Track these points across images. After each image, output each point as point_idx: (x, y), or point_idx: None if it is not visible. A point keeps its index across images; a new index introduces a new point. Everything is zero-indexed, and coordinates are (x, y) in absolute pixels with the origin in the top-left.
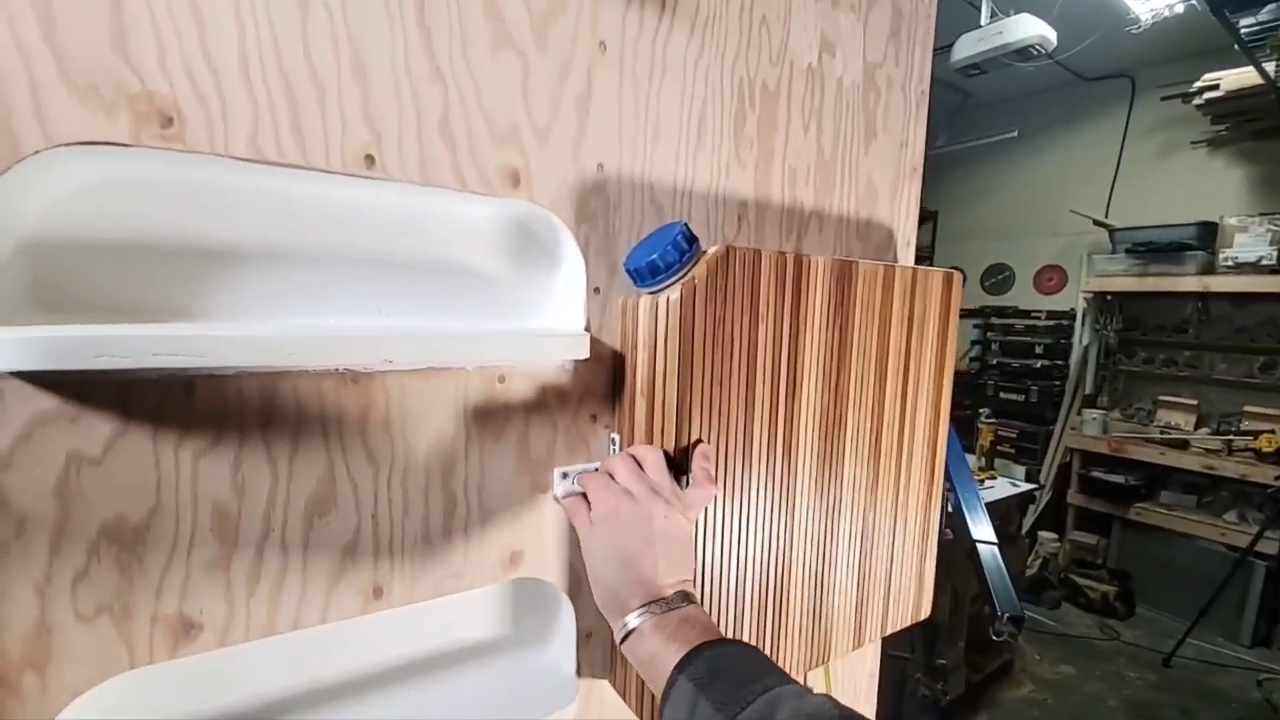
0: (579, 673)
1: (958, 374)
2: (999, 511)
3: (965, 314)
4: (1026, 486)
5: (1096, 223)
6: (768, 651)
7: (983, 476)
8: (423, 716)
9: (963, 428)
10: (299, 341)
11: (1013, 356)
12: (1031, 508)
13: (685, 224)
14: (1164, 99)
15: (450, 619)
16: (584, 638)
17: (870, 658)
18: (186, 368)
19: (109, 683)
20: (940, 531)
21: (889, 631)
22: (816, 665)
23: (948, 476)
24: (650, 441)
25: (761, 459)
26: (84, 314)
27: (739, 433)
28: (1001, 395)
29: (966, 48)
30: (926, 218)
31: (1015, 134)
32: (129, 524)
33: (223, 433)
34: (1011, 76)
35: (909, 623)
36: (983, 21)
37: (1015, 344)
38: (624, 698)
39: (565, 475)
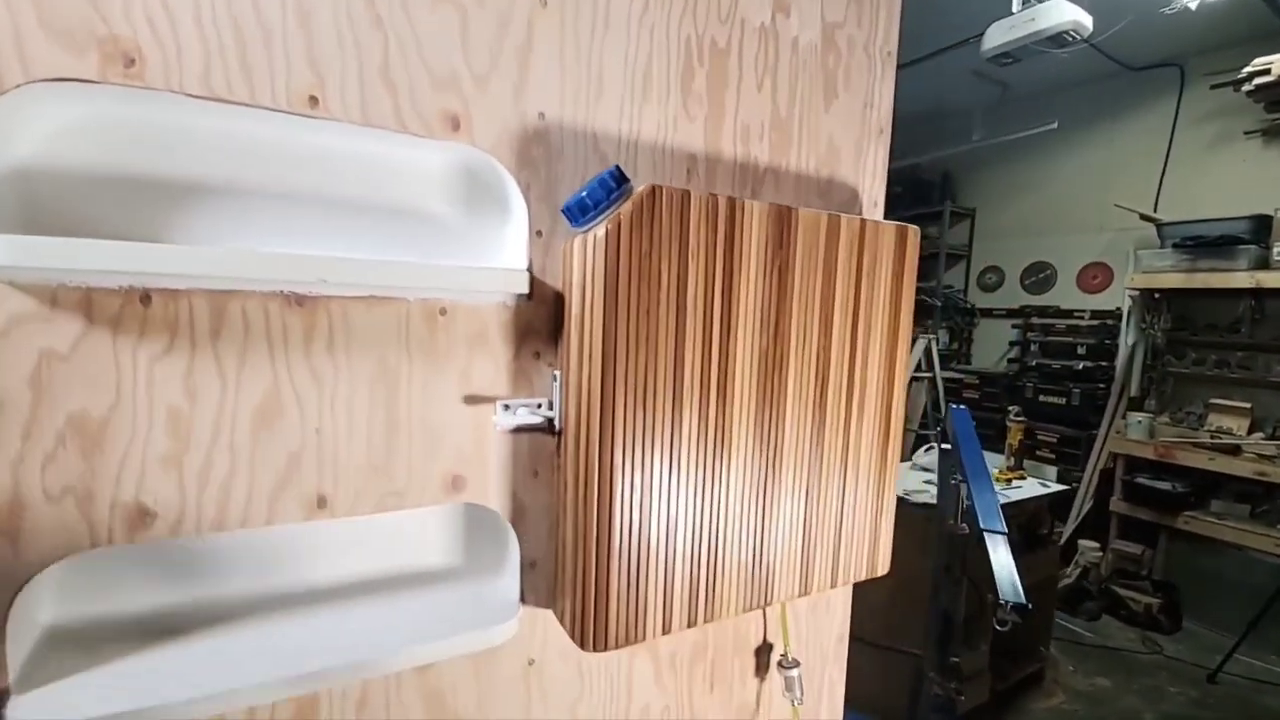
0: (523, 599)
1: (992, 375)
2: (1028, 511)
3: (1003, 314)
4: (1057, 487)
5: (1143, 217)
6: (703, 596)
7: (1010, 476)
8: (371, 627)
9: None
10: (241, 256)
11: (1053, 358)
12: (1072, 514)
13: (617, 165)
14: (1213, 87)
15: (404, 544)
16: (528, 566)
17: (839, 620)
18: (145, 276)
19: (74, 558)
20: (954, 525)
21: (841, 583)
22: (756, 607)
23: (960, 468)
24: (580, 373)
25: (694, 393)
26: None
27: (669, 367)
28: (1041, 398)
29: (997, 36)
30: (963, 215)
31: (1055, 125)
32: (92, 417)
33: (175, 341)
34: (1052, 69)
35: (864, 576)
36: (1014, 9)
37: (1056, 345)
38: (563, 624)
39: (507, 408)
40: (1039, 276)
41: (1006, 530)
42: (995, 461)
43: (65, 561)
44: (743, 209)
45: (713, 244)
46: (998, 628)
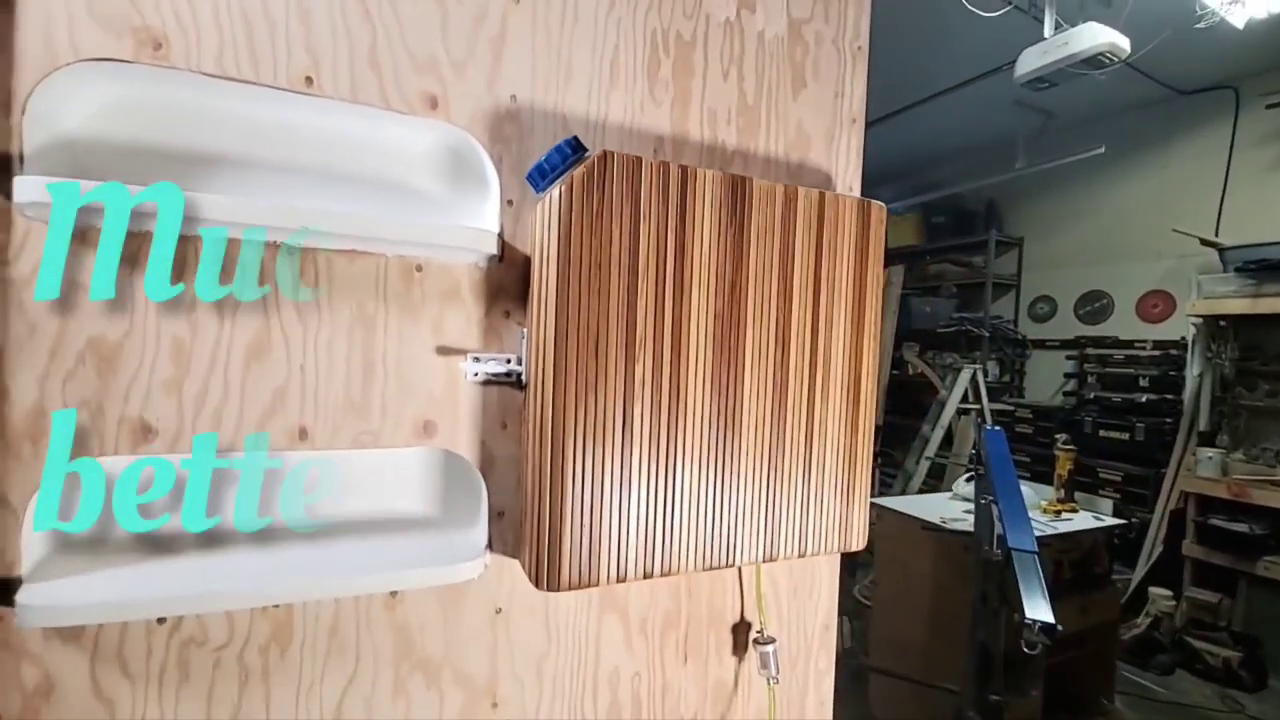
0: (490, 547)
1: (1047, 409)
2: (1082, 547)
3: (1056, 345)
4: (1111, 521)
5: (1204, 242)
6: (658, 548)
7: (1060, 508)
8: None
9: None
10: (241, 203)
11: (1114, 390)
12: (1141, 558)
13: (575, 136)
14: (1269, 107)
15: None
16: (495, 515)
17: (824, 607)
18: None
19: (83, 459)
20: (989, 551)
21: (811, 553)
22: (716, 566)
23: (991, 488)
24: (538, 325)
25: (647, 347)
26: None
27: (621, 320)
28: (1102, 433)
29: (1030, 61)
30: (1010, 244)
31: (1102, 149)
32: (108, 341)
33: (183, 279)
34: (1098, 94)
35: (836, 550)
36: (1046, 34)
37: (1116, 376)
38: (524, 568)
39: (477, 360)
40: (1094, 306)
41: (1037, 550)
42: (1045, 494)
43: (76, 472)
44: (694, 176)
45: (664, 207)
46: (1026, 650)
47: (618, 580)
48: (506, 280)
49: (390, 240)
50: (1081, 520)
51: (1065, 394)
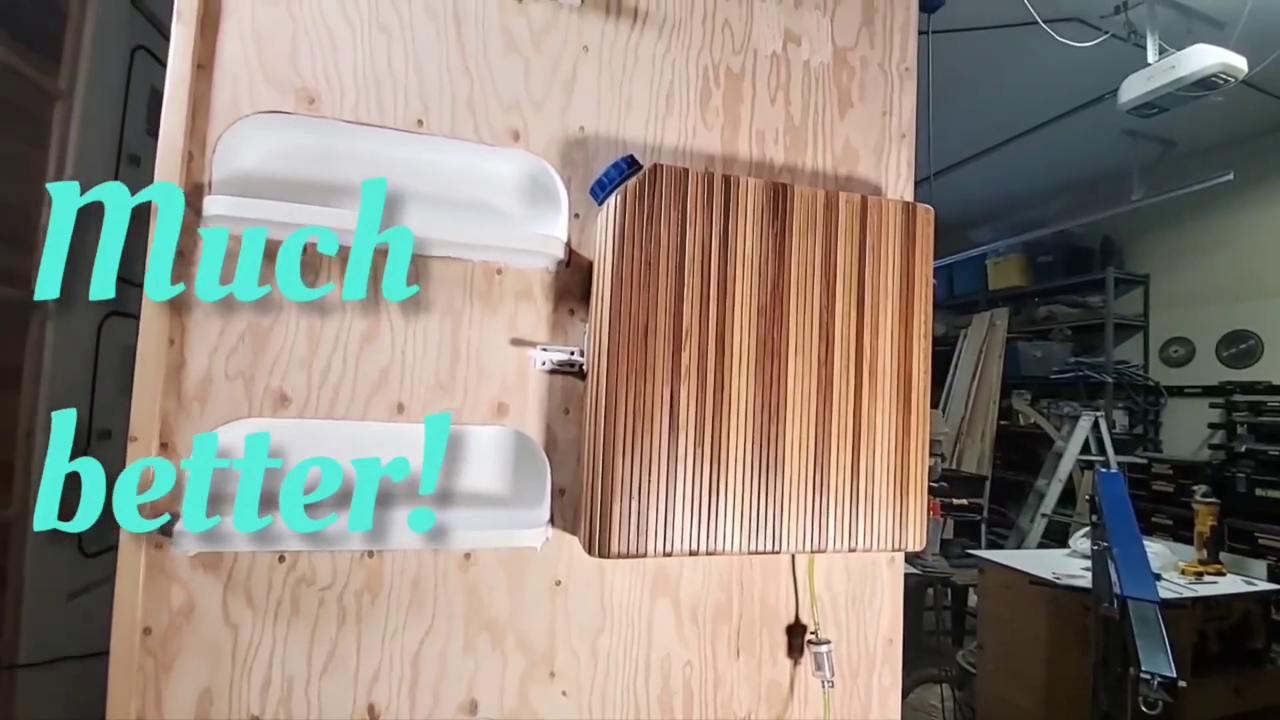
0: (552, 521)
1: (1190, 464)
2: (1231, 615)
3: (1197, 391)
4: (1266, 586)
5: None
6: (705, 526)
7: (1201, 569)
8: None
9: (1189, 525)
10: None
11: (1271, 443)
12: None
13: (631, 154)
14: None
15: (467, 468)
16: (557, 493)
17: (887, 619)
18: (310, 231)
19: (237, 422)
20: (1109, 609)
21: (862, 548)
22: (762, 551)
23: (1106, 534)
24: (596, 317)
25: (692, 336)
26: None
27: (670, 314)
28: (1258, 491)
29: (1135, 87)
30: (1133, 282)
31: (1230, 176)
32: (261, 325)
33: (318, 278)
34: (1221, 120)
35: (889, 549)
36: (1150, 60)
37: (1273, 427)
38: (580, 540)
39: (545, 350)
40: (1239, 348)
41: (1158, 598)
42: (1184, 554)
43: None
44: (737, 183)
45: (708, 212)
46: (1145, 710)
47: (664, 554)
48: (572, 283)
49: (477, 246)
50: (1229, 584)
51: (1211, 447)
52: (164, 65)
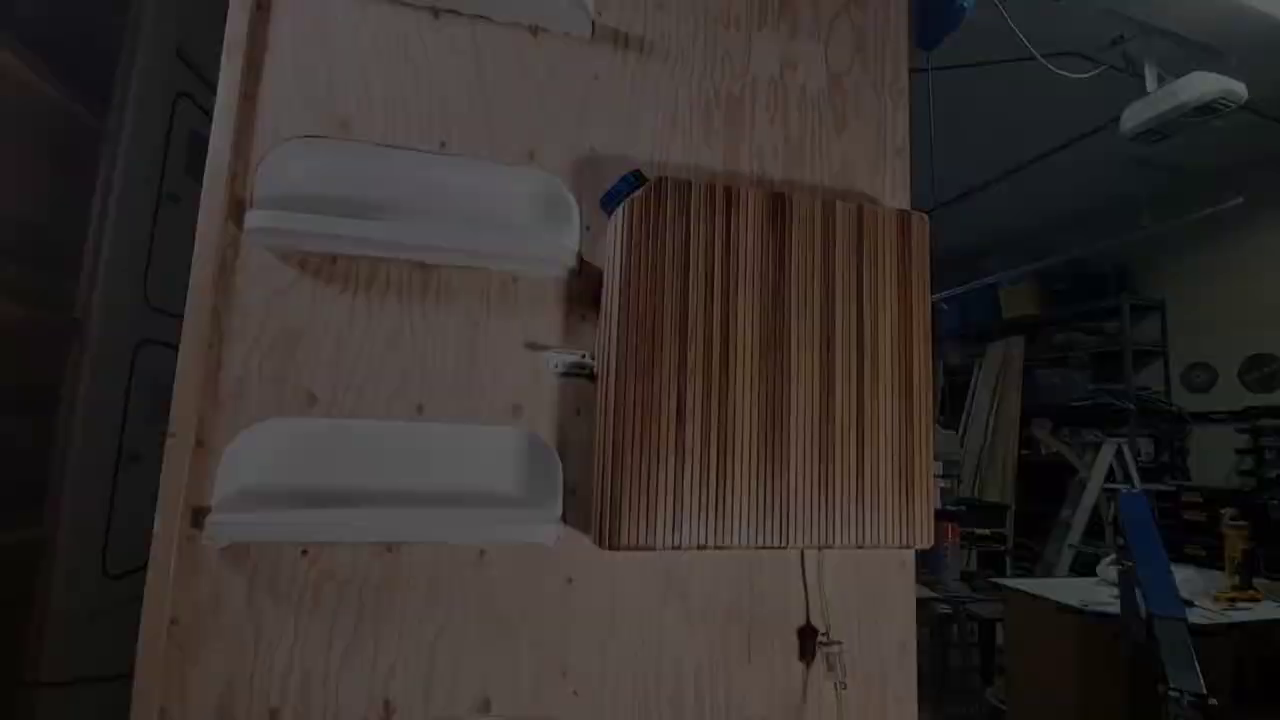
0: (564, 520)
1: (1220, 492)
2: (1272, 644)
3: (1223, 417)
4: None
5: None
6: (712, 521)
7: (1235, 595)
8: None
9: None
10: (388, 227)
11: None
12: None
13: (638, 168)
14: None
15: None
16: (569, 492)
17: (900, 624)
18: (338, 242)
19: (269, 420)
20: (1136, 634)
21: (869, 544)
22: (770, 545)
23: (1131, 553)
24: (606, 321)
25: (697, 334)
26: None
27: (676, 316)
28: None
29: (1137, 114)
30: (1149, 308)
31: (1240, 200)
32: (293, 330)
33: (345, 287)
34: (1228, 145)
35: (897, 545)
36: (1149, 88)
37: None
38: (591, 536)
39: (558, 353)
40: (1264, 371)
41: (1185, 615)
42: (1216, 581)
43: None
44: (737, 193)
45: (710, 220)
46: None
47: (673, 547)
48: (583, 290)
49: (494, 256)
50: (1266, 610)
51: (1241, 473)
52: (205, 111)
